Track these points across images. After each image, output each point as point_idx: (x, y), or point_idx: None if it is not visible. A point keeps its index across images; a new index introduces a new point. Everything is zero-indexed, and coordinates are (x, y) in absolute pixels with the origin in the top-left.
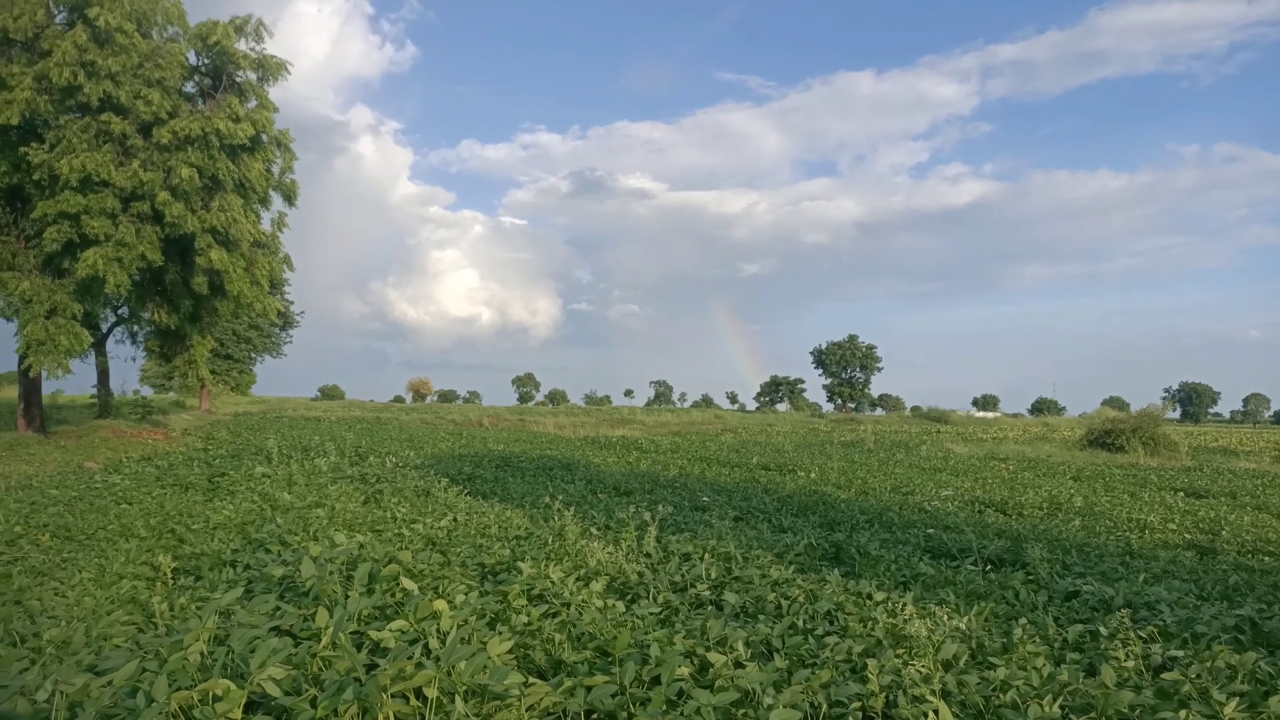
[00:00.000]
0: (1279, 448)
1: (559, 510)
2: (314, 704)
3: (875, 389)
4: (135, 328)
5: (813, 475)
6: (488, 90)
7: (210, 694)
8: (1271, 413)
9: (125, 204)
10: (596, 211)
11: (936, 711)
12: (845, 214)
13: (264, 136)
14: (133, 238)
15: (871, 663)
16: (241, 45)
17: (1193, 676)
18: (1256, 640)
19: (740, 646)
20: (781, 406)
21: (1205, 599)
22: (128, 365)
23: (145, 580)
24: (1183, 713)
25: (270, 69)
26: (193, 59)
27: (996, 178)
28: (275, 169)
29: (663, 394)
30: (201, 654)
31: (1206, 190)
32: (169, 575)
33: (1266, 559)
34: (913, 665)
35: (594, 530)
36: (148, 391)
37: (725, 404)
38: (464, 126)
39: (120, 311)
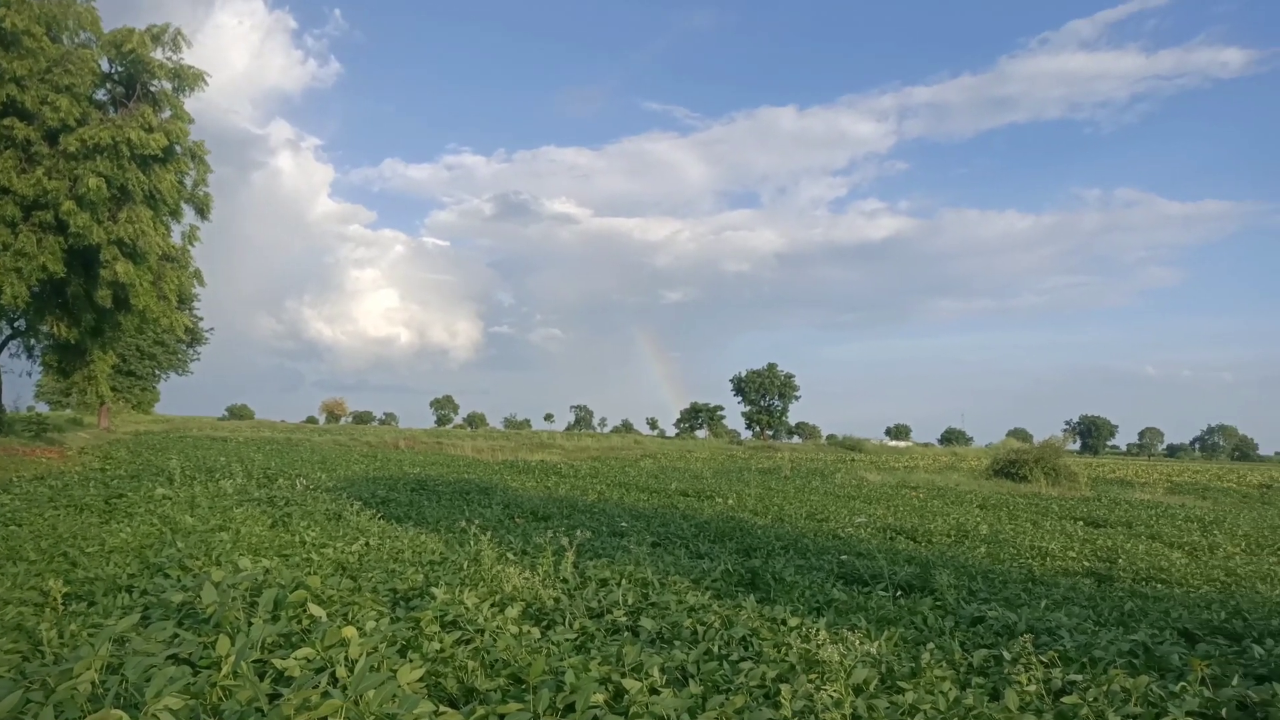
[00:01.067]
0: (1171, 480)
1: (475, 535)
2: None
3: (793, 417)
4: (32, 341)
5: (730, 501)
6: (412, 110)
7: None
8: (1165, 446)
9: (27, 213)
10: (520, 235)
11: None
12: (766, 244)
13: (178, 148)
14: (33, 248)
15: (785, 688)
16: (158, 54)
17: (1090, 700)
18: (1149, 664)
19: (656, 673)
20: (701, 433)
21: (1102, 625)
22: (22, 380)
23: (33, 606)
24: None
25: (187, 79)
26: (105, 66)
27: (912, 214)
28: (188, 181)
29: (583, 419)
30: (93, 683)
31: (1108, 233)
32: (59, 601)
33: (1159, 586)
34: (825, 690)
35: (510, 555)
36: (43, 408)
37: (645, 429)
38: (387, 145)
39: (17, 324)
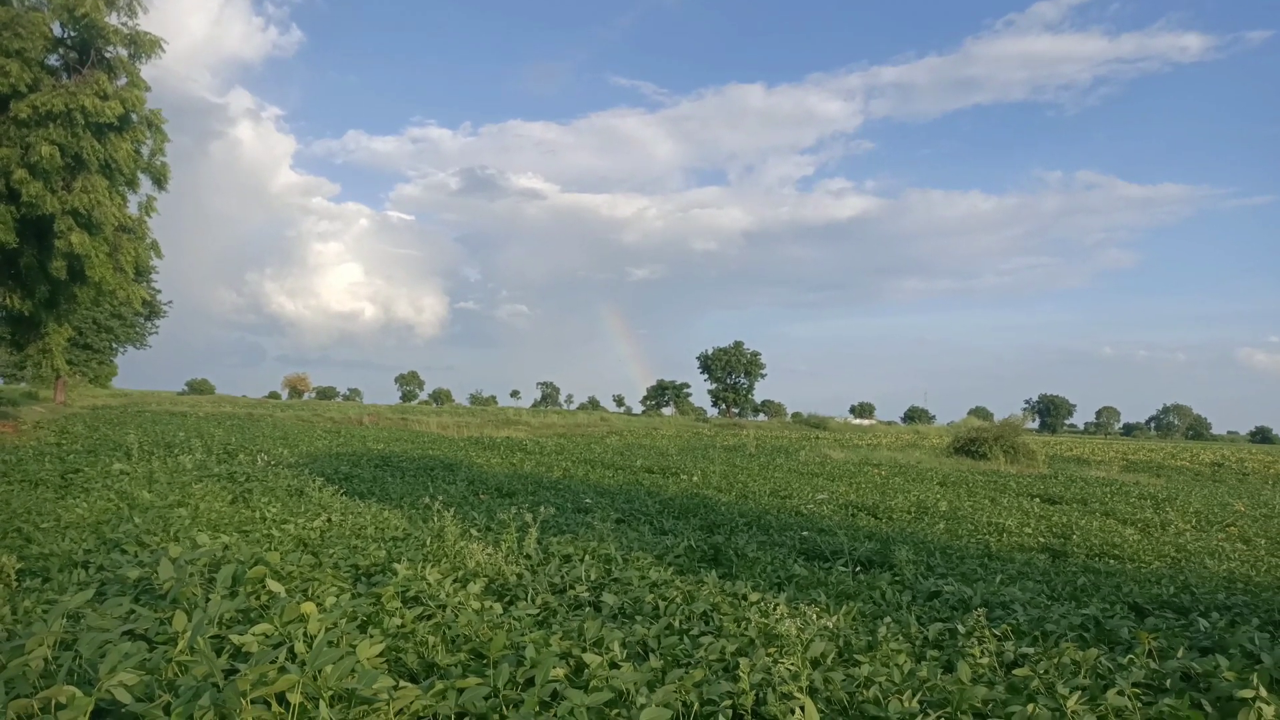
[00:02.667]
0: (1127, 458)
1: (439, 511)
2: (168, 710)
3: (758, 395)
4: None
5: (695, 478)
6: (376, 82)
7: (53, 702)
8: (1121, 425)
9: None
10: (487, 210)
11: (803, 708)
12: (734, 223)
13: (134, 116)
14: None
15: (744, 661)
16: (113, 19)
17: (1041, 672)
18: (1099, 638)
19: (616, 647)
20: (667, 410)
21: (1055, 599)
22: None
23: None
24: (1030, 706)
25: (143, 45)
26: (58, 30)
27: (878, 194)
28: (145, 150)
29: (549, 395)
30: (45, 659)
31: (1069, 215)
32: (13, 577)
33: (1112, 561)
34: (782, 663)
35: (474, 531)
36: None
37: (612, 406)
38: (350, 117)
39: None
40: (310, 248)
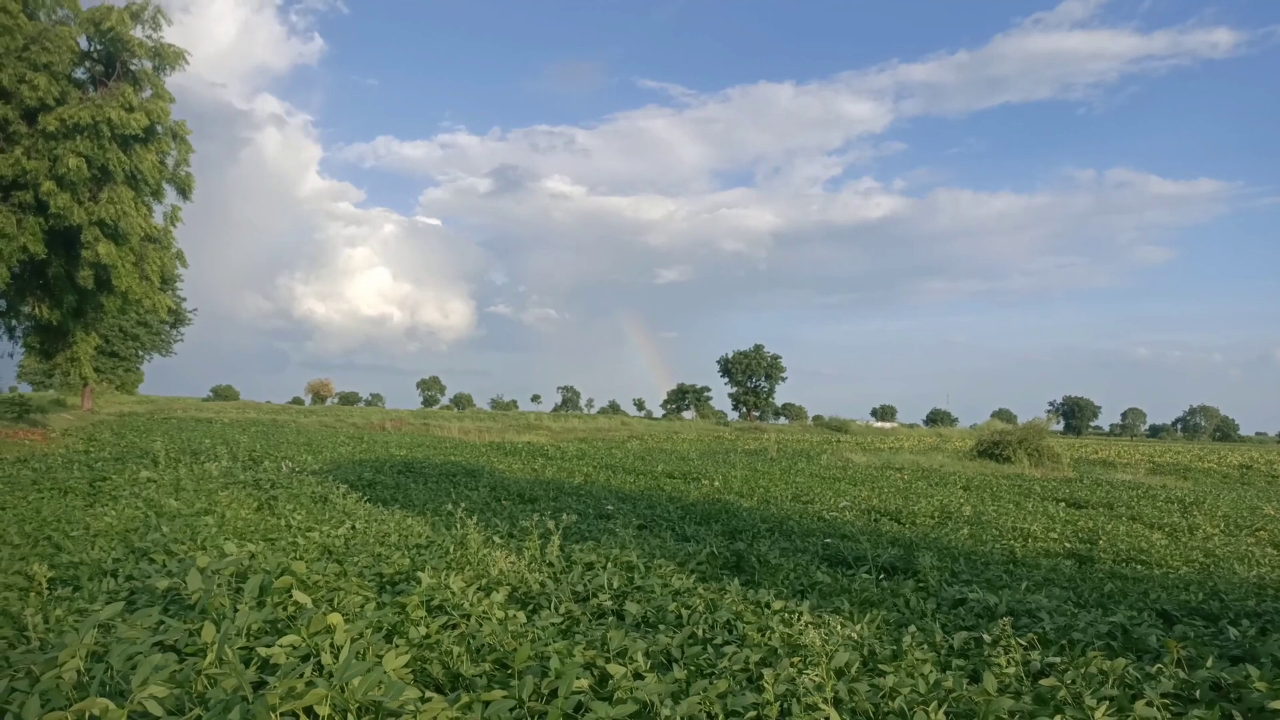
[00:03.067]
0: (1153, 461)
1: (461, 518)
2: None
3: (779, 398)
4: (14, 322)
5: (716, 484)
6: (405, 88)
7: (87, 714)
8: (1147, 426)
9: (6, 193)
10: (514, 213)
11: (828, 719)
12: (762, 224)
13: (159, 127)
14: (13, 228)
15: (767, 672)
16: (138, 32)
17: (1068, 682)
18: (1127, 646)
19: (640, 657)
20: (688, 414)
21: (1082, 606)
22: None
23: (18, 591)
24: (1058, 717)
25: (167, 57)
26: (84, 44)
27: (905, 194)
28: (170, 161)
29: (570, 400)
30: (78, 671)
31: (1100, 214)
32: (44, 585)
33: (1139, 567)
34: (807, 674)
35: (497, 539)
36: (25, 389)
37: (632, 411)
38: (380, 123)
39: None
40: (339, 252)
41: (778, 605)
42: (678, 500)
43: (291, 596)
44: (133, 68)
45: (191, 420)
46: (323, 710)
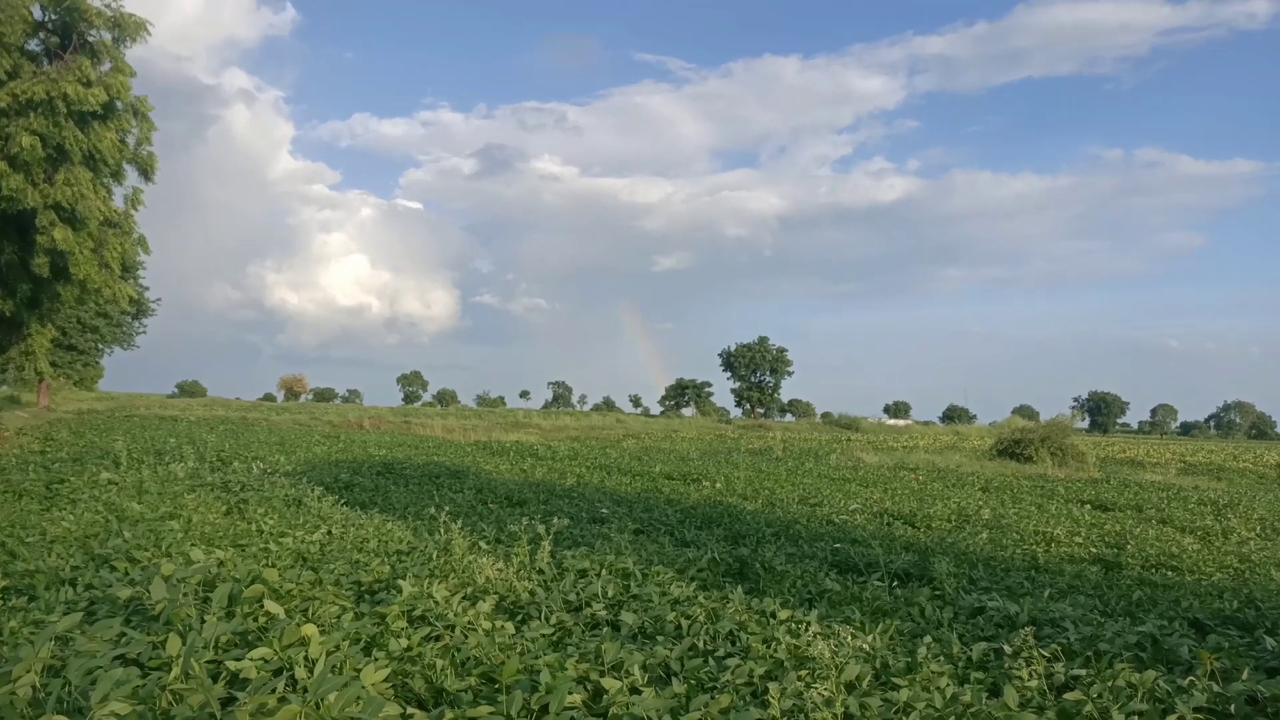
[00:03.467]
0: (1184, 460)
1: (445, 522)
2: None
3: (785, 394)
4: None
5: (718, 485)
6: (383, 62)
7: None
8: (1178, 424)
9: None
10: (501, 196)
11: None
12: (767, 207)
13: (118, 103)
14: None
15: (773, 686)
16: (96, 1)
17: (1094, 696)
18: (1157, 658)
19: (637, 670)
20: (688, 411)
21: (1109, 615)
22: None
23: None
24: None
25: (128, 28)
26: (38, 14)
27: (920, 175)
28: (131, 140)
29: (561, 396)
30: (33, 687)
31: (1127, 196)
32: None
33: (1169, 573)
34: (815, 688)
35: (483, 545)
36: None
37: (628, 407)
38: (357, 100)
39: None
40: (312, 238)
41: (784, 615)
42: (677, 503)
43: (263, 606)
44: (90, 39)
45: (155, 418)
46: None
